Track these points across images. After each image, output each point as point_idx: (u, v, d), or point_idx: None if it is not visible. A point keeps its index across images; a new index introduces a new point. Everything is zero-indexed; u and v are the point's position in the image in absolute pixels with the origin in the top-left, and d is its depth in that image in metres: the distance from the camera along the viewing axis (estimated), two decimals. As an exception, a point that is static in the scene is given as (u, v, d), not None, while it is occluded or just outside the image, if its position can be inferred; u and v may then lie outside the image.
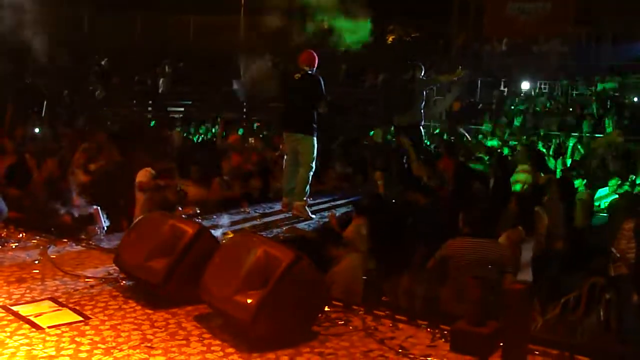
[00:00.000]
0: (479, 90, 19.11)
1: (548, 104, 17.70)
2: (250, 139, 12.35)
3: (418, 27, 23.11)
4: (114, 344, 3.53)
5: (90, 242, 5.77)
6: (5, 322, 3.77)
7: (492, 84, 19.10)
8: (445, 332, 3.72)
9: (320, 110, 7.47)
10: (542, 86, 19.34)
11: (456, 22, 22.05)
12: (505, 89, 19.12)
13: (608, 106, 16.59)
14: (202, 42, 21.77)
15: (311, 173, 7.52)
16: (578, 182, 8.45)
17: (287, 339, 3.58)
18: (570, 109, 16.99)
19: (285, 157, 7.82)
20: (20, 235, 5.70)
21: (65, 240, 5.63)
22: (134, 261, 4.31)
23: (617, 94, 17.30)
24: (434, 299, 5.24)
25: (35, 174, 7.67)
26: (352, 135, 13.40)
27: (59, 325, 3.74)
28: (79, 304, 4.12)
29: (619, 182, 8.75)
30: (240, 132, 13.95)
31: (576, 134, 14.34)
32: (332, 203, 8.29)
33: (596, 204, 8.30)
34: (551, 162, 10.68)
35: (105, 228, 6.66)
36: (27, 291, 4.32)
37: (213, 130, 15.03)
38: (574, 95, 18.26)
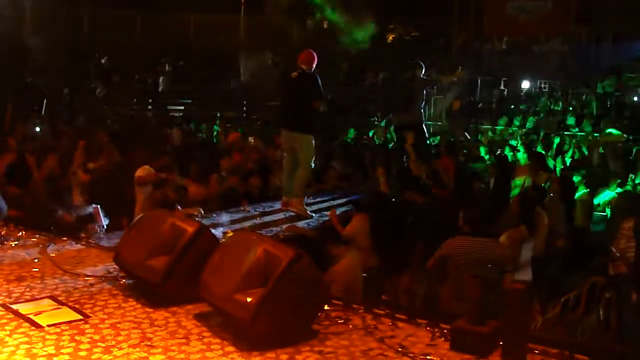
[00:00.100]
0: (479, 89, 19.11)
1: (548, 104, 17.70)
2: (250, 137, 12.36)
3: (418, 26, 23.10)
4: (113, 343, 3.53)
5: (90, 241, 5.76)
6: (4, 321, 3.76)
7: (492, 83, 19.10)
8: (445, 331, 3.71)
9: (320, 109, 7.47)
10: (542, 85, 19.34)
11: (456, 21, 22.03)
12: (506, 88, 19.12)
13: (608, 106, 16.61)
14: (202, 40, 21.79)
15: (310, 172, 7.52)
16: (578, 181, 8.45)
17: (286, 338, 3.57)
18: (571, 109, 17.00)
19: (284, 155, 7.83)
20: (20, 233, 5.69)
21: (65, 238, 5.62)
22: (133, 260, 4.31)
23: (617, 94, 17.30)
24: (434, 298, 5.25)
25: (35, 172, 7.67)
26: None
27: (59, 323, 3.74)
28: (79, 302, 4.11)
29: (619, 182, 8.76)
30: (241, 130, 13.97)
31: (576, 134, 14.38)
32: (332, 202, 8.28)
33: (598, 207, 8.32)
34: (551, 162, 10.69)
35: (105, 226, 6.67)
36: (27, 289, 4.31)
37: (215, 130, 15.02)
38: (574, 94, 18.26)
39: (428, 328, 3.82)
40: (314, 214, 7.49)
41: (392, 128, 11.90)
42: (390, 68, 18.09)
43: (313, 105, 7.36)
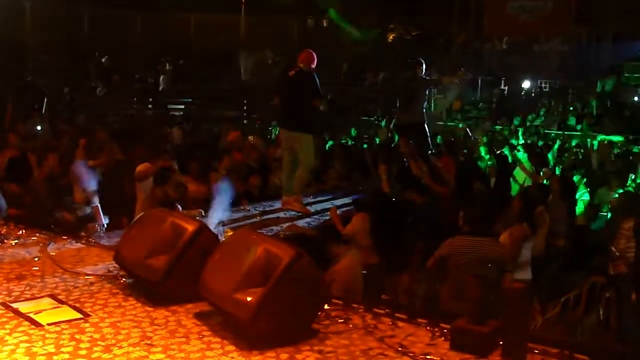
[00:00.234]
0: (479, 89, 19.11)
1: (548, 103, 17.70)
2: (250, 136, 12.34)
3: (418, 26, 23.10)
4: (113, 341, 3.53)
5: (90, 240, 5.76)
6: (5, 319, 3.76)
7: (493, 82, 19.09)
8: (445, 330, 3.72)
9: (320, 108, 7.46)
10: (543, 85, 19.34)
11: (457, 20, 22.03)
12: (506, 88, 19.12)
13: (608, 106, 16.61)
14: (203, 40, 21.79)
15: (310, 171, 7.51)
16: (577, 181, 8.45)
17: (287, 337, 3.57)
18: (571, 109, 17.00)
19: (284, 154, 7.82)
20: (20, 232, 5.70)
21: (65, 237, 5.63)
22: (134, 258, 4.31)
23: (617, 93, 17.31)
24: (434, 297, 5.25)
25: (35, 171, 7.67)
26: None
27: (59, 322, 3.74)
28: (79, 301, 4.11)
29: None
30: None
31: (576, 134, 14.38)
32: (333, 202, 8.27)
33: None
34: (551, 162, 10.68)
35: (105, 225, 6.67)
36: (27, 288, 4.32)
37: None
38: (574, 94, 18.26)
39: (428, 327, 3.82)
40: (310, 208, 7.49)
41: (392, 126, 11.90)
42: (391, 68, 18.10)
43: (312, 105, 7.35)
